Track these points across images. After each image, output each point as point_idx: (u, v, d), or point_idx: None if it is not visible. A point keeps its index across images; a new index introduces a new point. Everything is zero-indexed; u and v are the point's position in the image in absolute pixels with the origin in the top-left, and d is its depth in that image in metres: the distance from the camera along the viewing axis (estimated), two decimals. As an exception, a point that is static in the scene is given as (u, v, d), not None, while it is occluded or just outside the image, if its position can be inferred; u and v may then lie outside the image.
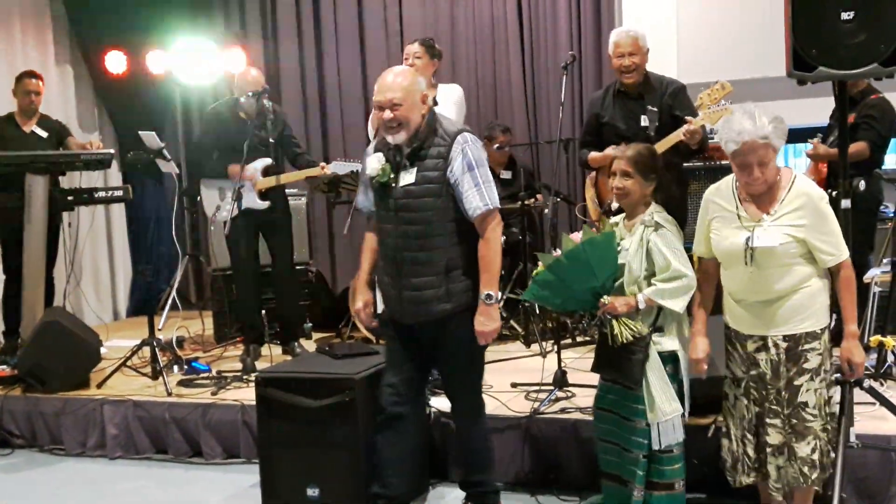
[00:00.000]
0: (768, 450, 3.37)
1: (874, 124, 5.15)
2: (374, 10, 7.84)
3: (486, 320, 3.50)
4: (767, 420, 3.38)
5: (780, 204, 3.30)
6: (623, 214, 3.69)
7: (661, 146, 4.62)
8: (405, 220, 3.49)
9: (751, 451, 3.43)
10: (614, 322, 3.47)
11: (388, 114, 3.44)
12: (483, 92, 7.62)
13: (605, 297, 3.51)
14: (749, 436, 3.44)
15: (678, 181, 5.00)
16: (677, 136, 4.64)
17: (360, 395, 3.90)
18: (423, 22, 7.72)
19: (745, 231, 3.31)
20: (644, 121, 4.83)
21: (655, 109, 4.82)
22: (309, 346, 6.25)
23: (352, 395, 3.89)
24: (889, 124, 5.22)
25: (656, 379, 3.48)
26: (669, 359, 3.53)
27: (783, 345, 3.32)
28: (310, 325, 6.69)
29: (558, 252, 3.55)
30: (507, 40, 7.50)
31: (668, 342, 3.53)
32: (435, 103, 5.00)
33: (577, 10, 7.22)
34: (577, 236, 3.54)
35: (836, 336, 3.44)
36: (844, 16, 3.49)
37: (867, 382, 3.82)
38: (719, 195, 3.45)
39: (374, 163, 3.51)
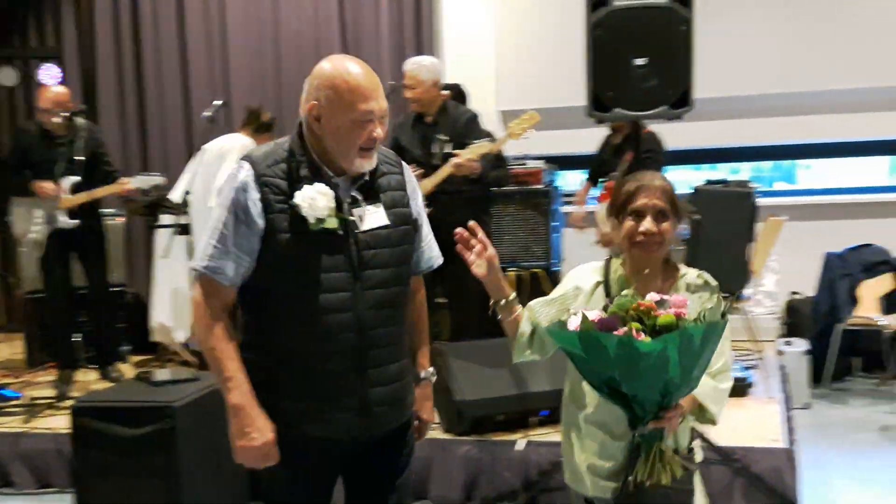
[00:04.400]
0: None
1: (657, 157, 5.49)
2: (195, 25, 7.77)
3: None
4: None
5: None
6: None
7: (432, 180, 4.84)
8: (377, 280, 2.37)
9: None
10: (663, 448, 2.33)
11: (380, 131, 2.35)
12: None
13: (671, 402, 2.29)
14: None
15: (483, 210, 5.28)
16: (446, 170, 4.84)
17: (179, 424, 3.89)
18: (246, 38, 7.71)
19: None
20: (434, 148, 5.00)
21: (446, 138, 5.00)
22: (126, 369, 6.13)
23: (171, 423, 3.85)
24: (664, 156, 5.60)
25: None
26: None
27: None
28: (127, 348, 6.55)
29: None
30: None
31: (699, 455, 2.59)
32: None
33: (400, 38, 7.45)
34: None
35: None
36: (638, 62, 3.80)
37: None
38: None
39: (320, 199, 2.30)
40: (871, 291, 6.12)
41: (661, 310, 2.19)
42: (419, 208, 2.54)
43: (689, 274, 2.51)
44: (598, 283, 2.47)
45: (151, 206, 5.95)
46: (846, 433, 5.27)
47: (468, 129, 5.03)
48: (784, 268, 6.62)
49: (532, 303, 2.51)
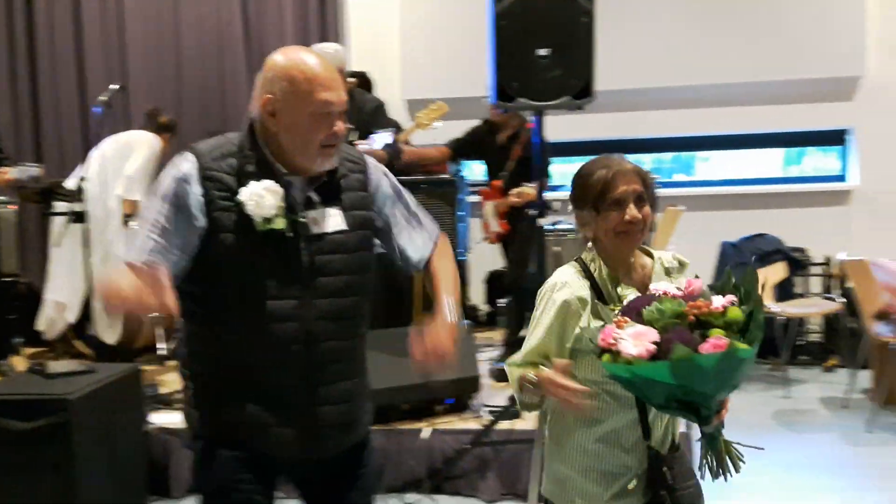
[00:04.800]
0: None
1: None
2: (91, 10, 7.53)
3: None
4: None
5: None
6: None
7: None
8: (330, 288, 2.18)
9: None
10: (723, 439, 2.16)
11: (341, 125, 2.18)
12: (210, 103, 7.54)
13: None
14: None
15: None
16: None
17: (74, 417, 3.77)
18: (144, 22, 7.51)
19: None
20: None
21: (351, 126, 4.96)
22: (19, 362, 5.93)
23: (65, 416, 3.74)
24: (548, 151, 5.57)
25: None
26: None
27: None
28: (20, 340, 6.32)
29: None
30: (234, 56, 7.46)
31: None
32: None
33: (304, 26, 7.36)
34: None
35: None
36: (541, 52, 3.84)
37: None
38: None
39: (268, 196, 2.10)
40: (765, 279, 6.31)
41: (709, 304, 2.00)
42: (384, 207, 2.31)
43: (665, 256, 2.36)
44: (590, 288, 2.23)
45: (45, 193, 5.77)
46: (741, 418, 5.41)
47: (374, 118, 4.99)
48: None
49: (535, 346, 2.23)
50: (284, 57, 2.17)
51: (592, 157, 2.35)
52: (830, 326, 6.57)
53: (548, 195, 4.37)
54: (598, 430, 2.24)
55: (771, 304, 6.08)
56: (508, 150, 5.49)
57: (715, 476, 2.11)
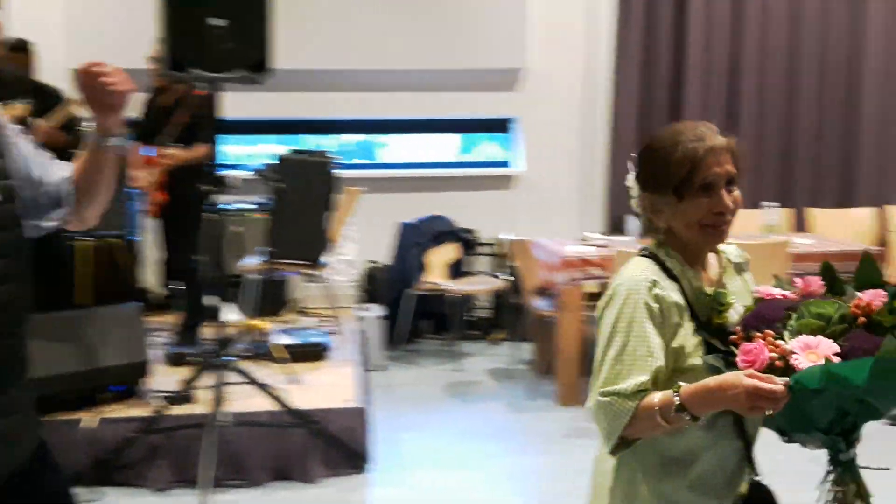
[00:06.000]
0: None
1: (210, 121, 4.87)
2: None
3: None
4: None
5: None
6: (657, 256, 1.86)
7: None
8: None
9: None
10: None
11: None
12: None
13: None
14: None
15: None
16: None
17: None
18: None
19: None
20: None
21: None
22: None
23: None
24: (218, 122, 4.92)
25: None
26: None
27: None
28: None
29: None
30: None
31: None
32: None
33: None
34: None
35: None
36: (214, 22, 3.70)
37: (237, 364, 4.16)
38: None
39: None
40: (438, 259, 6.59)
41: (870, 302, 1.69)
42: (29, 158, 1.86)
43: (730, 251, 1.95)
44: (680, 291, 1.80)
45: None
46: (416, 390, 5.64)
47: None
48: (363, 238, 6.92)
49: (656, 368, 1.72)
50: None
51: (674, 125, 1.84)
52: (497, 302, 6.98)
53: (227, 173, 4.23)
54: (691, 473, 1.81)
55: (443, 283, 6.35)
56: (170, 114, 5.21)
57: None
